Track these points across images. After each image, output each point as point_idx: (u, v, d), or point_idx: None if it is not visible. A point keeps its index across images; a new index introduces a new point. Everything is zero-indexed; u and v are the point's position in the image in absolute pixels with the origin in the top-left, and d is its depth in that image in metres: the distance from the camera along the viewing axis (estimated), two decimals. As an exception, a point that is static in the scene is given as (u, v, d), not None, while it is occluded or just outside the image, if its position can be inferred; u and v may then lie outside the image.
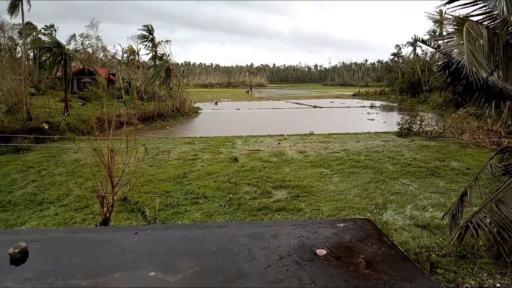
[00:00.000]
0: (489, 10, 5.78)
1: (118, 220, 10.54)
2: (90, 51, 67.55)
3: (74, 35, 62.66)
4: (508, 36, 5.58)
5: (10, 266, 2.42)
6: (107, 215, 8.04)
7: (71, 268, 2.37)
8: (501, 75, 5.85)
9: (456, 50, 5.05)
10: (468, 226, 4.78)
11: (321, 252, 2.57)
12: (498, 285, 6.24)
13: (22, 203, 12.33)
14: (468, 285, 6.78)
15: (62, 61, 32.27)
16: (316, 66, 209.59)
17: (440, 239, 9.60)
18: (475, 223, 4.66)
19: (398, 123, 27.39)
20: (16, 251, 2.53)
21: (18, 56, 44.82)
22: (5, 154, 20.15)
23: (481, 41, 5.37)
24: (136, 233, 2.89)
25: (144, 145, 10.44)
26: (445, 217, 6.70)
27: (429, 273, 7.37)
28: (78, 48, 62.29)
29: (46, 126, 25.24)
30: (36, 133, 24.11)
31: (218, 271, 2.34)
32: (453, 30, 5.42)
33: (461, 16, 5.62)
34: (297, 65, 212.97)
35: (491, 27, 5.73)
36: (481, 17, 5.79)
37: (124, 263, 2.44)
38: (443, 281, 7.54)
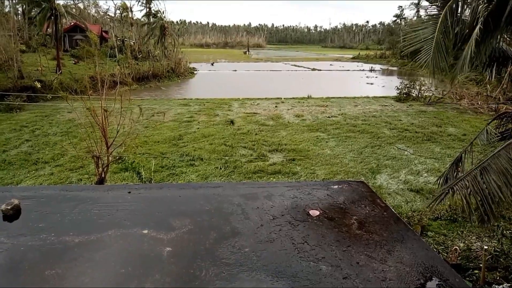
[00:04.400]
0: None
1: (114, 180, 10.61)
2: (82, 7, 64.88)
3: (64, -11, 59.85)
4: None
5: (3, 222, 2.41)
6: (103, 175, 8.06)
7: (64, 225, 2.37)
8: (506, 37, 5.68)
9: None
10: (449, 192, 4.84)
11: (314, 213, 2.57)
12: (485, 247, 6.44)
13: (17, 162, 12.32)
14: (457, 247, 7.01)
15: (52, 17, 31.07)
16: (316, 27, 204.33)
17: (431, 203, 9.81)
18: (456, 190, 4.71)
19: (397, 88, 27.13)
20: (9, 207, 2.52)
21: (6, 10, 42.94)
22: (-3, 113, 19.89)
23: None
24: (129, 192, 2.88)
25: (139, 106, 10.28)
26: (438, 181, 6.78)
27: (420, 235, 7.58)
28: (68, 3, 59.73)
29: (39, 85, 24.71)
30: (29, 91, 23.67)
31: (211, 229, 2.35)
32: None
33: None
34: (296, 26, 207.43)
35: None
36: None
37: (117, 221, 2.43)
38: (433, 243, 7.78)
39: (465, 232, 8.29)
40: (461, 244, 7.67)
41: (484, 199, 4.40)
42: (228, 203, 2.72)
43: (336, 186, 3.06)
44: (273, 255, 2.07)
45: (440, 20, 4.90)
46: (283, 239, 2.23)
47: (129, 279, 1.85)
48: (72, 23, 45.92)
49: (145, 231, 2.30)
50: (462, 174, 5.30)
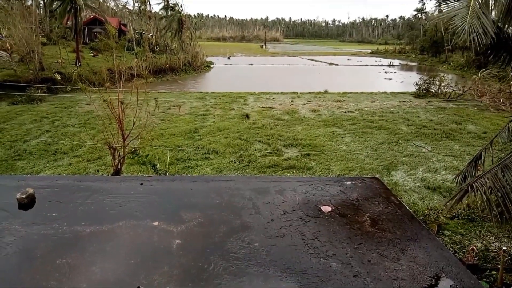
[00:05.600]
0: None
1: (130, 171, 10.76)
2: (101, 0, 65.71)
3: (84, -17, 60.70)
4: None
5: (18, 210, 2.46)
6: (119, 167, 8.18)
7: (77, 215, 2.40)
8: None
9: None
10: (468, 190, 4.70)
11: (326, 209, 2.53)
12: (504, 248, 6.26)
13: (37, 152, 12.64)
14: (474, 247, 6.83)
15: (72, 10, 31.58)
16: (334, 21, 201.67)
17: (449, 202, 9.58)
18: (476, 187, 4.56)
19: (416, 84, 26.53)
20: (23, 196, 2.57)
21: (29, 4, 43.92)
22: (19, 104, 20.43)
23: None
24: (141, 184, 2.89)
25: (155, 98, 10.36)
26: (456, 179, 6.61)
27: (436, 234, 7.43)
28: (88, -3, 60.55)
29: (59, 77, 25.26)
30: (49, 83, 24.21)
31: (222, 223, 2.34)
32: None
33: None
34: (314, 20, 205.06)
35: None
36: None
37: (129, 212, 2.45)
38: (450, 242, 7.61)
39: (483, 232, 8.08)
40: (479, 244, 7.48)
41: (505, 195, 4.25)
42: (239, 197, 2.70)
43: (349, 182, 3.00)
44: (282, 251, 2.04)
45: None
46: (293, 235, 2.20)
47: (138, 270, 1.86)
48: (92, 16, 46.64)
49: (156, 223, 2.31)
50: (482, 172, 5.14)
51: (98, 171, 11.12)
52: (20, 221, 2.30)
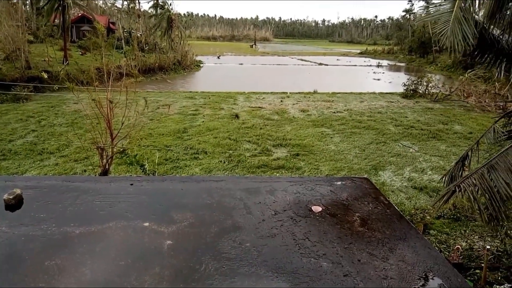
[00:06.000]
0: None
1: (118, 172, 10.66)
2: (89, -2, 64.82)
3: (71, -20, 59.77)
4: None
5: (5, 211, 2.41)
6: (107, 167, 8.09)
7: (66, 216, 2.37)
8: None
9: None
10: (455, 190, 4.79)
11: (317, 209, 2.55)
12: (488, 247, 6.39)
13: (22, 152, 12.42)
14: (459, 246, 6.96)
15: (60, 8, 31.09)
16: (323, 21, 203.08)
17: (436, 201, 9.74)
18: (463, 188, 4.65)
19: (404, 84, 26.88)
20: (11, 197, 2.52)
21: (15, 1, 43.09)
22: (4, 103, 20.04)
23: None
24: (131, 184, 2.87)
25: (144, 98, 10.29)
26: (443, 179, 6.72)
27: (422, 234, 7.55)
28: (76, -6, 59.65)
29: (46, 76, 24.74)
30: (36, 82, 23.77)
31: (213, 223, 2.34)
32: None
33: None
34: (304, 19, 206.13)
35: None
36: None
37: (119, 213, 2.43)
38: (435, 241, 7.74)
39: (467, 231, 8.24)
40: (463, 243, 7.62)
41: (492, 196, 4.34)
42: (230, 197, 2.70)
43: (339, 183, 3.03)
44: (273, 251, 2.05)
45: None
46: (284, 235, 2.21)
47: (128, 271, 1.84)
48: (80, 14, 45.95)
49: (146, 224, 2.30)
50: (468, 172, 5.24)
51: (85, 171, 10.99)
52: (7, 222, 2.26)
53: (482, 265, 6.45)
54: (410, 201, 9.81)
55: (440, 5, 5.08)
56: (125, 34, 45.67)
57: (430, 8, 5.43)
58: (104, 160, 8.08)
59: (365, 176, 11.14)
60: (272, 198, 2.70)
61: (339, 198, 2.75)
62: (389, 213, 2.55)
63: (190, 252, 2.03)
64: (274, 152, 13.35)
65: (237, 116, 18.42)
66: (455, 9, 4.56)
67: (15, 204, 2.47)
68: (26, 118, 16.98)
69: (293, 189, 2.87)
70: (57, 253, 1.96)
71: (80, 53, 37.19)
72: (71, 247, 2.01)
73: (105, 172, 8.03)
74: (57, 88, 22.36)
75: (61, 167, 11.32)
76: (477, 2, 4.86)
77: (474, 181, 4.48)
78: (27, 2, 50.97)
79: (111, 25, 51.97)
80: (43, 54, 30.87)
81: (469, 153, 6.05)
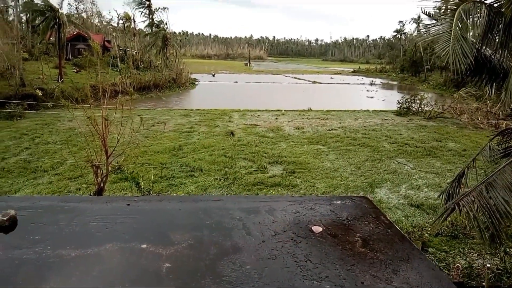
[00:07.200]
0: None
1: (113, 190, 10.52)
2: (85, 16, 65.58)
3: (68, -1, 60.56)
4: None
5: (-2, 233, 2.35)
6: (101, 185, 7.98)
7: (61, 238, 2.31)
8: (508, 55, 5.69)
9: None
10: (454, 208, 4.77)
11: (317, 229, 2.52)
12: (488, 265, 6.34)
13: (16, 170, 12.24)
14: (459, 265, 6.90)
15: (55, 26, 31.32)
16: (317, 40, 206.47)
17: (433, 219, 9.70)
18: (462, 205, 4.64)
19: (398, 102, 27.23)
20: (5, 218, 2.46)
21: (10, 19, 43.30)
22: (-2, 120, 19.87)
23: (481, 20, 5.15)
24: (128, 204, 2.82)
25: (139, 115, 10.28)
26: (440, 197, 6.72)
27: (420, 251, 7.47)
28: (72, 13, 60.32)
29: (40, 93, 24.79)
30: (30, 99, 23.68)
31: (212, 245, 2.29)
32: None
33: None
34: (297, 39, 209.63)
35: (495, 5, 5.51)
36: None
37: (116, 234, 2.38)
38: (434, 260, 7.67)
39: (466, 249, 8.18)
40: (462, 261, 7.56)
41: (492, 214, 4.34)
42: (229, 218, 2.66)
43: (339, 202, 3.01)
44: (275, 273, 2.01)
45: (455, 18, 4.79)
46: (285, 256, 2.17)
47: (126, 296, 1.79)
48: (75, 32, 46.32)
49: (144, 246, 2.25)
50: (466, 190, 5.24)
51: (79, 189, 10.83)
52: (0, 245, 2.20)
53: (483, 283, 6.38)
54: (408, 219, 9.76)
55: (441, 24, 5.19)
56: (120, 52, 46.00)
57: (423, 30, 5.55)
58: (99, 178, 7.97)
59: (363, 194, 11.11)
60: (271, 218, 2.66)
61: (339, 218, 2.72)
62: (390, 233, 2.52)
63: (189, 275, 1.97)
64: (270, 170, 13.31)
65: (232, 133, 18.43)
66: (453, 28, 4.68)
67: (9, 225, 2.41)
68: (20, 135, 16.83)
69: (292, 208, 2.84)
70: (52, 277, 1.89)
71: (75, 70, 37.29)
72: (66, 270, 1.95)
73: (100, 190, 7.92)
74: (51, 105, 22.31)
75: (55, 185, 11.15)
76: (469, 22, 4.97)
77: (473, 199, 4.48)
78: (23, 20, 51.36)
79: (106, 43, 52.40)
80: (38, 71, 30.88)
81: (466, 170, 6.08)
